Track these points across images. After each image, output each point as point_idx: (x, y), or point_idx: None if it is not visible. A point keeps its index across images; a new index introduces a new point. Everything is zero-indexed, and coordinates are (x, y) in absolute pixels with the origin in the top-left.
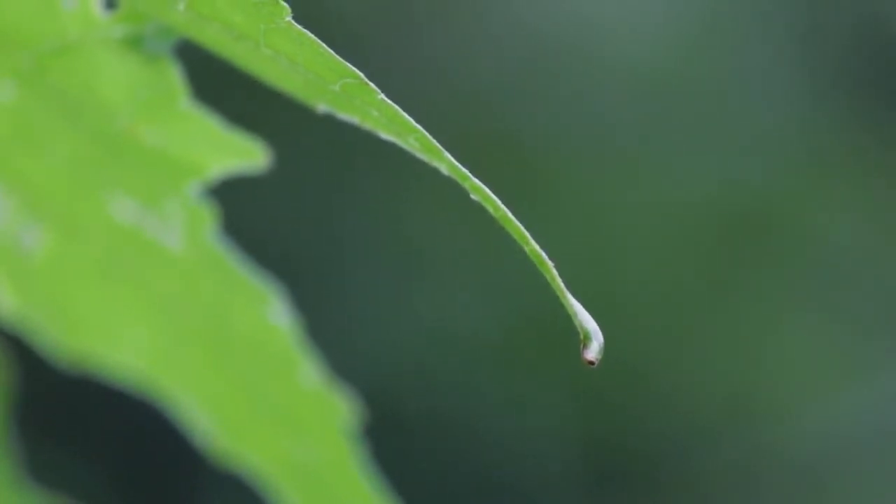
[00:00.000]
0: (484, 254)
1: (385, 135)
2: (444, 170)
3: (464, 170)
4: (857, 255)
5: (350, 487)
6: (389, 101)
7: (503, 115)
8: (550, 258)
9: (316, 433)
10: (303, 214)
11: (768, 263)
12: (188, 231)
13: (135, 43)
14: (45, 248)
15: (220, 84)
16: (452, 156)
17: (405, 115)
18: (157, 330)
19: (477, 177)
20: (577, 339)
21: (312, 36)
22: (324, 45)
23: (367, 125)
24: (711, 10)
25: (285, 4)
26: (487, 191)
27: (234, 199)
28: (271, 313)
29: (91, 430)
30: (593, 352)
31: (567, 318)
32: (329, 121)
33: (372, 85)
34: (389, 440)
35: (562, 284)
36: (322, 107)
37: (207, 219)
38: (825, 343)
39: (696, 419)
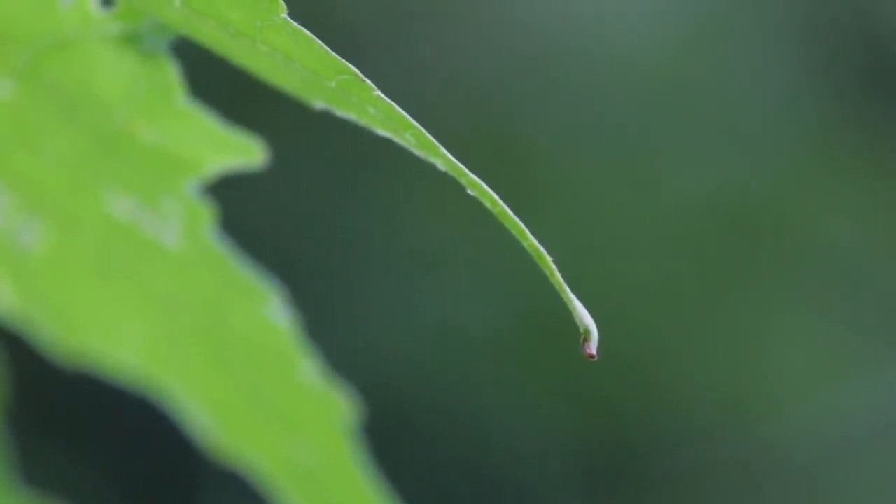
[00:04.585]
0: (485, 254)
1: (382, 131)
2: (440, 165)
3: (460, 165)
4: (857, 255)
5: (349, 485)
6: (385, 98)
7: (503, 115)
8: (549, 254)
9: (315, 431)
10: (306, 213)
11: (768, 263)
12: (186, 228)
13: (132, 40)
14: (43, 245)
15: (220, 81)
16: (452, 155)
17: (401, 111)
18: (155, 327)
19: (476, 175)
20: (577, 338)
21: (308, 33)
22: (319, 41)
23: (364, 122)
24: (711, 11)
25: (281, 1)
26: (485, 186)
27: (237, 198)
28: (270, 311)
29: (90, 430)
30: (594, 346)
31: (566, 318)
32: (331, 119)
33: (368, 81)
34: (389, 438)
35: (560, 279)
36: (319, 103)
37: (205, 216)
38: (823, 342)
39: (694, 418)
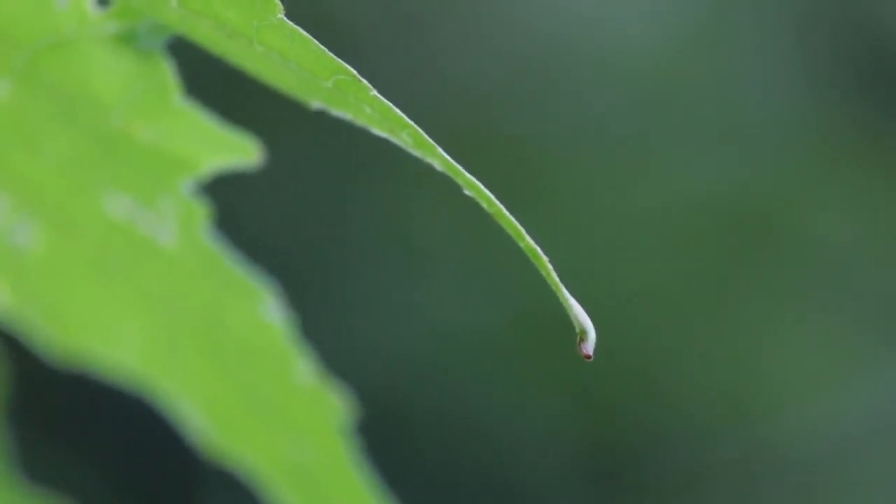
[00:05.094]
0: (484, 253)
1: (378, 131)
2: (437, 166)
3: (457, 165)
4: (857, 255)
5: (344, 485)
6: (382, 98)
7: (503, 114)
8: (546, 255)
9: (310, 431)
10: (302, 212)
11: (768, 263)
12: (182, 228)
13: (128, 40)
14: (39, 246)
15: (216, 81)
16: (451, 154)
17: (398, 111)
18: (152, 327)
19: (476, 176)
20: (576, 337)
21: (304, 33)
22: (316, 41)
23: (361, 121)
24: (711, 11)
25: (278, 1)
26: (481, 186)
27: (233, 197)
28: (265, 310)
29: (90, 430)
30: (590, 346)
31: (566, 318)
32: (328, 118)
33: (364, 81)
34: (388, 438)
35: (557, 279)
36: (315, 103)
37: (201, 216)
38: (824, 342)
39: (694, 418)
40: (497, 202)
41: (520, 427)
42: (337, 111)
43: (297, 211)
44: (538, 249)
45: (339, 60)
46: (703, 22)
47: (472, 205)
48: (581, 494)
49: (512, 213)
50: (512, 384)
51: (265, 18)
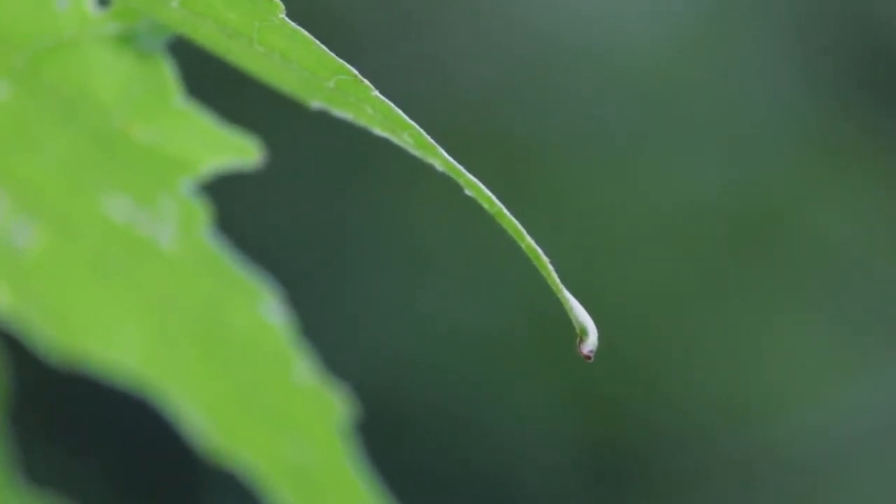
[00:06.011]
0: (485, 253)
1: (379, 131)
2: (438, 166)
3: (458, 166)
4: (858, 256)
5: (344, 486)
6: (383, 98)
7: (503, 114)
8: (546, 254)
9: (310, 431)
10: (303, 212)
11: (768, 263)
12: (182, 229)
13: (128, 40)
14: (39, 247)
15: (216, 81)
16: (450, 154)
17: (399, 111)
18: (151, 327)
19: (475, 176)
20: (575, 337)
21: (306, 33)
22: (317, 42)
23: (362, 122)
24: (711, 12)
25: (279, 1)
26: (482, 186)
27: (234, 197)
28: (265, 311)
29: (90, 430)
30: (589, 346)
31: (567, 318)
32: (330, 117)
33: (366, 81)
34: (389, 438)
35: (557, 279)
36: (316, 104)
37: (201, 216)
38: (824, 343)
39: (694, 418)
40: (498, 202)
41: (520, 427)
42: (338, 111)
43: (297, 211)
44: (539, 250)
45: (341, 61)
46: (703, 21)
47: (472, 205)
48: (581, 494)
49: (512, 212)
50: (512, 384)
51: (266, 19)
